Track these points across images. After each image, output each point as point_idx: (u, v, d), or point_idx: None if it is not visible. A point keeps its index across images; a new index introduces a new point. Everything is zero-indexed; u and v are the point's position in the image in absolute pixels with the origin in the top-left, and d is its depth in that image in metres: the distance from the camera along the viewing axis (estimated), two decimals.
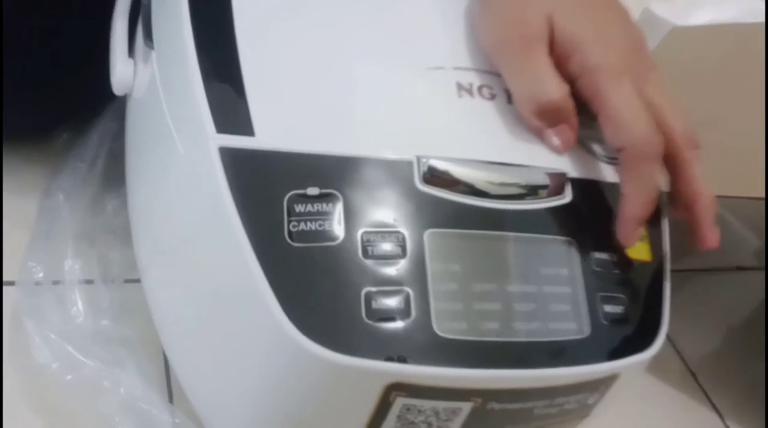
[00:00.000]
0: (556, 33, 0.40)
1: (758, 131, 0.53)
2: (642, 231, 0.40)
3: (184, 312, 0.42)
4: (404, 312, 0.35)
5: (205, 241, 0.38)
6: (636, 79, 0.40)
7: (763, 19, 0.49)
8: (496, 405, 0.37)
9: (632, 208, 0.39)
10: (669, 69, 0.42)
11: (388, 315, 0.35)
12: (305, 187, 0.36)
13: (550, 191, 0.39)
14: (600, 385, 0.39)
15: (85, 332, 0.47)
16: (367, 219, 0.36)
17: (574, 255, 0.39)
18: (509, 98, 0.41)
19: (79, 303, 0.48)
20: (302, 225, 0.35)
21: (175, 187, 0.40)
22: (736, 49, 0.50)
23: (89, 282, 0.50)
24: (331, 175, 0.36)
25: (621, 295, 0.39)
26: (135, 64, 0.46)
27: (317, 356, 0.34)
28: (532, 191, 0.39)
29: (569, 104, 0.40)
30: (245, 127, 0.37)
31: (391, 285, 0.35)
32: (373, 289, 0.35)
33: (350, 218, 0.36)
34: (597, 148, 0.42)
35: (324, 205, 0.36)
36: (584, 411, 0.40)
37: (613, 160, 0.41)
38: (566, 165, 0.40)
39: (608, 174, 0.41)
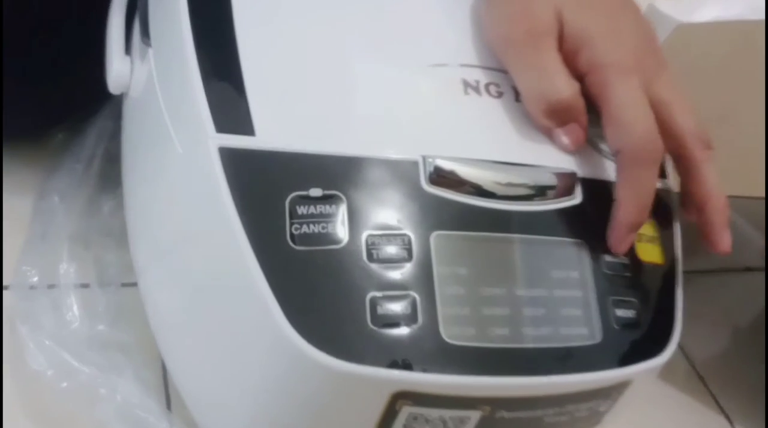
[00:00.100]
0: (565, 28, 0.39)
1: (764, 129, 0.52)
2: (635, 237, 0.39)
3: (182, 317, 0.41)
4: (410, 318, 0.34)
5: (204, 244, 0.37)
6: (646, 77, 0.39)
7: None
8: (505, 414, 0.36)
9: (625, 213, 0.38)
10: (673, 66, 0.42)
11: (394, 321, 0.34)
12: (308, 189, 0.35)
13: (559, 192, 0.38)
14: (612, 392, 0.38)
15: (80, 337, 0.46)
16: (372, 221, 0.35)
17: (585, 258, 0.38)
18: (517, 96, 0.40)
19: (75, 308, 0.47)
20: (305, 228, 0.35)
21: (174, 188, 0.40)
22: (741, 46, 0.50)
23: (85, 286, 0.49)
24: (335, 175, 0.36)
25: (633, 299, 0.39)
26: (132, 62, 0.45)
27: (320, 363, 0.33)
28: (542, 192, 0.38)
29: (580, 102, 0.39)
30: (245, 127, 0.36)
31: (396, 289, 0.35)
32: (379, 294, 0.34)
33: (354, 220, 0.35)
34: (608, 147, 0.40)
35: (327, 206, 0.35)
36: (595, 418, 0.40)
37: None
38: (576, 165, 0.39)
39: None
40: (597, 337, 0.37)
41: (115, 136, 0.52)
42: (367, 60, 0.40)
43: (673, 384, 0.60)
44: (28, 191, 0.54)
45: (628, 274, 0.39)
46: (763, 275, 0.71)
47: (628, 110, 0.38)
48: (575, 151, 0.39)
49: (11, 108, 0.52)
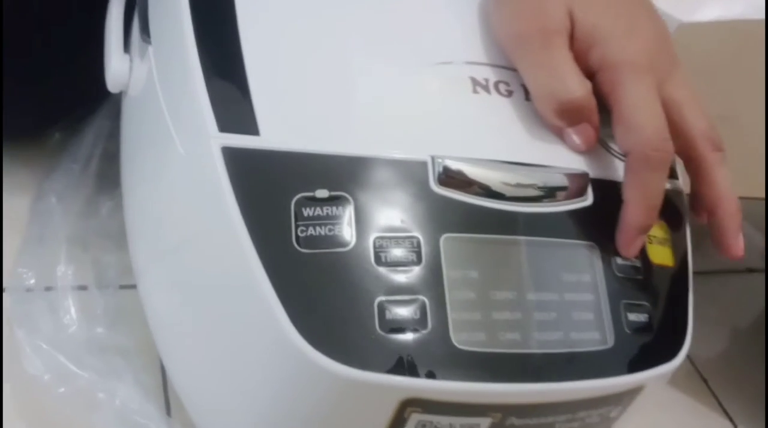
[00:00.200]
0: (576, 25, 0.38)
1: (764, 129, 0.52)
2: (645, 240, 0.39)
3: (183, 320, 0.40)
4: (420, 323, 0.34)
5: (206, 247, 0.37)
6: (659, 76, 0.39)
7: None
8: (516, 421, 0.36)
9: (633, 215, 0.38)
10: None
11: (403, 326, 0.34)
12: (314, 190, 0.35)
13: (571, 193, 0.38)
14: (624, 397, 0.38)
15: (78, 341, 0.46)
16: (380, 223, 0.35)
17: (596, 261, 0.37)
18: (527, 95, 0.40)
19: (73, 311, 0.47)
20: (311, 230, 0.34)
21: (175, 189, 0.39)
22: (743, 45, 0.50)
23: (83, 288, 0.49)
24: (341, 176, 0.35)
25: (645, 303, 0.38)
26: (131, 60, 0.44)
27: (327, 370, 0.33)
28: (553, 193, 0.37)
29: (592, 102, 0.38)
30: (249, 126, 0.35)
31: (405, 293, 0.34)
32: (387, 298, 0.34)
33: (362, 222, 0.35)
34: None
35: (334, 208, 0.34)
36: (606, 424, 0.39)
37: None
38: (588, 165, 0.39)
39: None
40: (609, 342, 0.36)
41: (113, 135, 0.52)
42: (375, 57, 0.39)
43: (676, 386, 0.60)
44: (24, 192, 0.54)
45: (639, 277, 0.38)
46: (763, 276, 0.71)
47: (640, 111, 0.38)
48: (587, 152, 0.39)
49: (9, 108, 0.52)
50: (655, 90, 0.38)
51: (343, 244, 0.34)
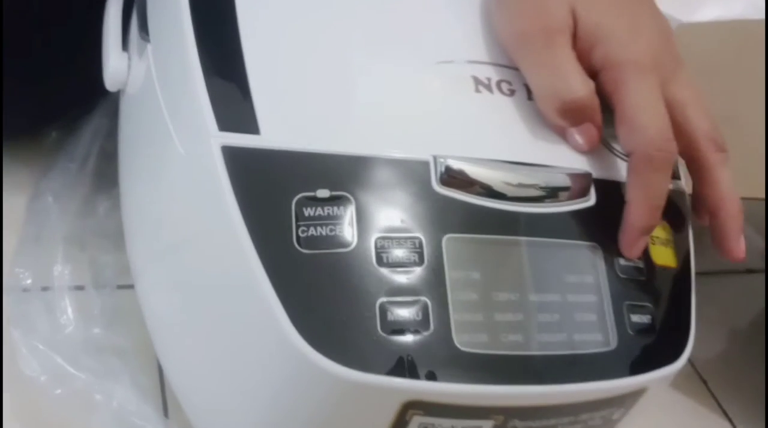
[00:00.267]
0: (579, 24, 0.38)
1: (764, 130, 0.52)
2: (648, 241, 0.39)
3: (182, 321, 0.40)
4: (422, 324, 0.33)
5: (205, 247, 0.37)
6: (663, 76, 0.38)
7: None
8: (518, 423, 0.35)
9: (636, 216, 0.38)
10: None
11: (405, 328, 0.33)
12: (315, 189, 0.34)
13: (574, 193, 0.37)
14: (627, 399, 0.38)
15: (75, 342, 0.46)
16: (381, 223, 0.34)
17: (599, 262, 0.37)
18: (529, 94, 0.40)
19: (69, 311, 0.47)
20: (312, 231, 0.34)
21: (173, 188, 0.39)
22: (743, 45, 0.51)
23: (80, 288, 0.49)
24: (343, 176, 0.35)
25: (648, 304, 0.38)
26: (129, 58, 0.44)
27: (328, 372, 0.32)
28: (556, 193, 0.37)
29: (595, 102, 0.38)
30: (249, 125, 0.35)
31: (407, 294, 0.34)
32: (389, 299, 0.33)
33: (363, 222, 0.34)
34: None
35: (335, 208, 0.34)
36: (608, 426, 0.39)
37: None
38: (591, 165, 0.39)
39: None
40: (612, 344, 0.36)
41: (110, 134, 0.52)
42: (376, 56, 0.39)
43: (675, 387, 0.59)
44: (21, 191, 0.54)
45: (642, 278, 0.38)
46: (763, 277, 0.71)
47: (643, 111, 0.37)
48: (589, 152, 0.39)
49: (7, 107, 0.52)
50: (658, 89, 0.38)
51: (345, 245, 0.34)
